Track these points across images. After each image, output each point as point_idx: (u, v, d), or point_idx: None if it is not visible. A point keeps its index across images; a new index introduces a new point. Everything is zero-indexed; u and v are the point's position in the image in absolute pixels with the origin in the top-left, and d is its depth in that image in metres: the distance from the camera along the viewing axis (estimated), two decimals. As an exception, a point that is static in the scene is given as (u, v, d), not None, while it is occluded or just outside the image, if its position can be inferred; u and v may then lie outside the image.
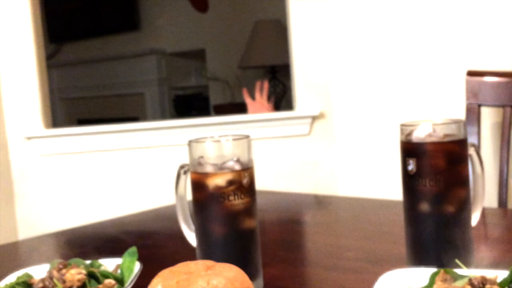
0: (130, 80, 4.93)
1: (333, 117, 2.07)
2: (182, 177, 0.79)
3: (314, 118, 2.06)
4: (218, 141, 0.76)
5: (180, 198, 0.80)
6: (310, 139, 2.07)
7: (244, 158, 0.75)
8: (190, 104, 4.91)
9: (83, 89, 5.25)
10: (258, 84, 2.20)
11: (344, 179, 2.07)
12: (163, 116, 4.85)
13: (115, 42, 5.05)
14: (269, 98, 3.81)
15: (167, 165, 2.09)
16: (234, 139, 0.76)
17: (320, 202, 1.41)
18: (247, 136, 0.77)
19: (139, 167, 2.10)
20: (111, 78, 5.05)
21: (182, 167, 0.79)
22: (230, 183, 0.74)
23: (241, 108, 4.03)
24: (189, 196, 0.79)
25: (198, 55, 4.79)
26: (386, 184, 1.99)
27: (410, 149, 0.74)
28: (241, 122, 2.08)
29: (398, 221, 0.86)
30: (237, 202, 0.74)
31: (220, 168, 0.74)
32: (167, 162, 2.09)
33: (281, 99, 3.86)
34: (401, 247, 0.83)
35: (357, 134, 2.06)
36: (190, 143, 0.76)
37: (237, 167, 0.74)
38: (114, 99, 5.11)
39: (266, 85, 2.18)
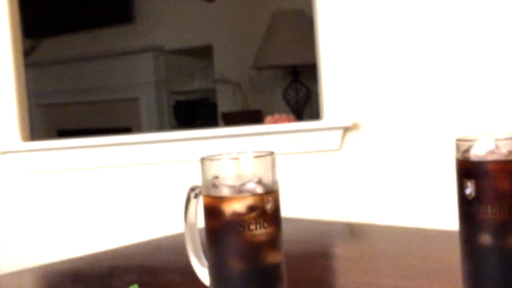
0: (122, 82, 4.98)
1: (369, 129, 2.08)
2: (193, 201, 0.80)
3: (345, 129, 2.06)
4: (237, 158, 0.77)
5: (190, 226, 0.81)
6: (341, 155, 2.08)
7: (267, 179, 0.76)
8: (193, 112, 4.95)
9: (64, 93, 5.31)
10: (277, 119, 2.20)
11: (383, 204, 2.07)
12: (161, 126, 4.89)
13: (103, 37, 5.11)
14: (289, 104, 3.84)
15: (168, 186, 2.10)
16: (255, 156, 0.77)
17: (355, 231, 1.41)
18: (271, 153, 0.78)
19: (135, 188, 2.12)
20: (98, 81, 5.11)
21: (192, 189, 0.80)
22: (250, 209, 0.75)
23: (255, 117, 4.07)
24: (200, 223, 0.80)
25: (204, 53, 4.83)
26: (437, 211, 1.99)
27: (467, 169, 0.74)
28: (256, 134, 2.10)
29: (453, 256, 0.86)
30: (260, 232, 0.75)
31: (239, 191, 0.75)
32: (167, 182, 2.11)
33: (304, 105, 3.87)
34: (457, 288, 0.83)
35: (399, 149, 2.06)
36: (203, 160, 0.77)
37: (259, 190, 0.75)
38: (102, 105, 5.16)
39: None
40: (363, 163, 2.09)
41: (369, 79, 2.08)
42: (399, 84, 2.07)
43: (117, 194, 2.12)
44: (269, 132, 2.08)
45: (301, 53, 3.72)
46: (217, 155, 0.79)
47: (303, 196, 2.06)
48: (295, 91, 3.86)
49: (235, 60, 4.45)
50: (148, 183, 2.13)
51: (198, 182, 0.83)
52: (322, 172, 2.09)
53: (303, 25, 3.76)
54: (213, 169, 0.76)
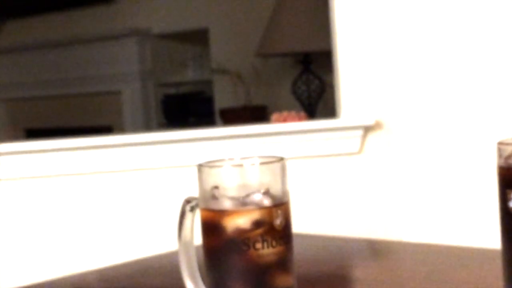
0: (100, 73, 4.99)
1: (395, 128, 2.08)
2: (188, 215, 0.82)
3: (366, 129, 2.07)
4: (240, 165, 0.78)
5: (185, 244, 0.82)
6: (361, 159, 2.09)
7: (276, 190, 0.77)
8: (186, 108, 4.95)
9: (32, 86, 5.32)
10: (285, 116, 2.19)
11: (410, 217, 2.08)
12: (147, 125, 4.90)
13: (78, 19, 5.12)
14: (299, 98, 3.85)
15: (157, 196, 2.11)
16: (262, 163, 0.78)
17: (377, 250, 1.42)
18: (281, 159, 0.79)
19: (117, 199, 2.13)
20: (73, 71, 5.11)
21: (188, 201, 0.82)
22: (257, 224, 0.76)
23: (259, 114, 4.07)
24: (197, 241, 0.81)
25: (198, 38, 4.83)
26: (474, 226, 2.00)
27: (511, 178, 0.75)
28: (260, 135, 2.10)
29: (493, 279, 0.87)
30: (267, 251, 0.76)
31: (243, 203, 0.76)
32: (156, 192, 2.12)
33: (317, 100, 3.88)
34: (499, 317, 0.84)
35: (430, 153, 2.07)
36: (200, 168, 0.79)
37: (267, 202, 0.76)
38: (77, 100, 5.17)
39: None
40: (387, 169, 2.10)
41: (395, 69, 2.08)
42: (431, 75, 2.08)
43: (97, 206, 2.13)
44: (276, 132, 2.09)
45: (313, 38, 3.72)
46: (217, 161, 0.80)
47: (317, 208, 2.07)
48: (306, 83, 3.87)
49: (235, 46, 4.46)
50: (133, 193, 2.14)
51: (194, 192, 0.84)
52: (339, 180, 2.09)
53: (316, 4, 3.77)
54: (213, 177, 0.77)
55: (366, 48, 2.08)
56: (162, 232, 2.07)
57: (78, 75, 5.13)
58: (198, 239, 0.83)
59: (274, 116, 2.22)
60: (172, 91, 5.13)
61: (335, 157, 2.09)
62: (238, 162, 0.80)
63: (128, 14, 4.94)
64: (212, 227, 0.77)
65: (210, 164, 0.79)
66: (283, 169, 0.79)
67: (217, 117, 4.41)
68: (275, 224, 0.76)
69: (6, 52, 5.35)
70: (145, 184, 2.13)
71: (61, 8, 5.14)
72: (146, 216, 2.12)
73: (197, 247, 0.82)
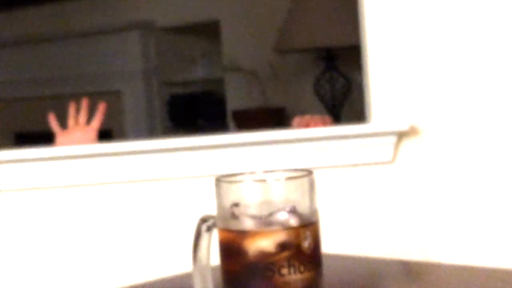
0: (99, 71, 5.01)
1: (432, 134, 2.08)
2: (204, 236, 0.82)
3: (400, 135, 2.07)
4: (263, 180, 0.78)
5: (201, 268, 0.82)
6: (394, 169, 2.08)
7: (304, 208, 0.77)
8: (194, 110, 4.96)
9: (23, 85, 5.34)
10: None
11: (450, 236, 2.07)
12: (151, 129, 4.91)
13: (74, 10, 5.14)
14: (323, 99, 3.84)
15: (164, 211, 2.11)
16: (288, 178, 0.78)
17: (413, 272, 1.41)
18: (309, 173, 0.79)
19: (122, 213, 2.13)
20: (68, 68, 5.14)
21: (204, 220, 0.82)
22: (282, 247, 0.76)
23: (277, 117, 4.08)
24: (213, 262, 0.81)
25: (208, 31, 4.84)
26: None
27: None
28: (281, 142, 2.10)
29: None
30: (294, 277, 0.76)
31: (267, 223, 0.76)
32: (162, 206, 2.12)
33: (343, 102, 3.88)
34: None
35: (471, 163, 2.06)
36: (219, 183, 0.79)
37: (294, 221, 0.76)
38: (78, 100, 5.17)
39: None
40: (423, 180, 2.09)
41: (432, 67, 2.08)
42: (473, 75, 2.07)
43: (96, 221, 2.13)
44: (298, 139, 2.08)
45: (338, 31, 3.73)
46: (237, 174, 0.80)
47: (344, 224, 2.06)
48: (330, 82, 3.87)
49: (249, 41, 4.46)
50: (136, 207, 2.14)
51: (205, 206, 0.84)
52: (369, 192, 2.09)
53: (341, -6, 3.78)
54: (233, 194, 0.77)
55: (400, 43, 2.07)
56: (170, 252, 2.07)
57: (74, 73, 5.15)
58: (214, 260, 0.83)
59: (296, 120, 2.21)
60: (178, 90, 5.14)
61: (365, 167, 2.08)
62: (261, 176, 0.80)
63: (129, 5, 4.96)
64: (231, 250, 0.77)
65: (229, 179, 0.79)
66: (311, 185, 0.79)
67: (229, 120, 4.42)
68: (303, 247, 0.76)
69: (-8, 48, 5.39)
70: (150, 197, 2.13)
71: (55, -1, 5.17)
72: (151, 234, 2.12)
73: (213, 269, 0.82)
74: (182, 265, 1.17)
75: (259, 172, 0.81)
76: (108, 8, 5.03)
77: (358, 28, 2.22)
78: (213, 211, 0.83)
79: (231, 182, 0.79)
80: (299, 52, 4.17)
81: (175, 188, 2.13)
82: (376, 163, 2.08)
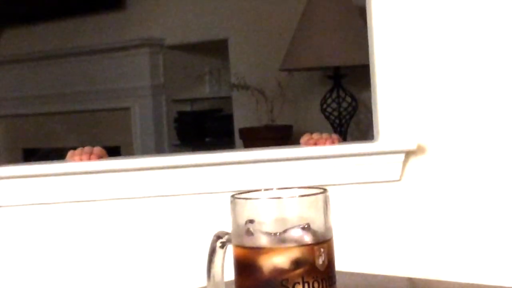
0: (108, 87, 5.02)
1: (439, 153, 2.07)
2: (219, 252, 0.81)
3: (408, 154, 2.06)
4: (278, 197, 0.78)
5: (215, 284, 0.82)
6: (402, 187, 2.07)
7: (318, 225, 0.77)
8: (201, 127, 4.96)
9: (31, 101, 5.35)
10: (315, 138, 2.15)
11: (457, 254, 2.06)
12: (158, 146, 4.90)
13: (84, 28, 5.16)
14: (329, 118, 3.84)
15: (180, 227, 2.11)
16: (303, 195, 0.78)
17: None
18: (324, 190, 0.79)
19: (128, 229, 2.13)
20: (77, 85, 5.14)
21: (218, 237, 0.82)
22: (296, 264, 0.75)
23: (284, 135, 4.07)
24: (227, 278, 0.81)
25: (216, 50, 4.84)
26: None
27: None
28: (289, 160, 2.10)
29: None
30: (309, 294, 0.75)
31: (281, 240, 0.76)
32: (179, 223, 2.11)
33: (349, 120, 3.88)
34: None
35: (479, 182, 2.05)
36: (234, 200, 0.79)
37: (308, 238, 0.76)
38: (82, 117, 5.19)
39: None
40: (430, 198, 2.08)
41: (440, 87, 2.07)
42: (480, 95, 2.06)
43: (107, 236, 2.13)
44: (306, 157, 2.08)
45: (345, 50, 3.73)
46: (252, 191, 0.80)
47: (352, 241, 2.06)
48: (337, 101, 3.87)
49: (257, 59, 4.47)
50: (146, 223, 2.13)
51: (215, 223, 0.83)
52: (377, 210, 2.08)
53: (348, 14, 3.78)
54: (248, 211, 0.77)
55: (408, 62, 2.07)
56: (182, 269, 2.07)
57: (83, 90, 5.15)
58: (229, 277, 0.83)
59: (304, 138, 2.21)
60: (186, 108, 5.15)
61: (373, 185, 2.08)
62: (275, 193, 0.79)
63: (139, 23, 4.97)
64: (246, 266, 0.77)
65: (244, 196, 0.79)
66: (326, 202, 0.79)
67: (237, 137, 4.41)
68: (317, 264, 0.76)
69: (4, 64, 5.39)
70: (161, 213, 2.13)
71: (64, 15, 5.18)
72: (163, 251, 2.12)
73: (227, 285, 0.82)
74: (196, 281, 1.17)
75: (274, 189, 0.81)
76: (117, 26, 5.04)
77: (365, 47, 2.22)
78: (226, 227, 0.83)
79: (246, 199, 0.79)
80: (306, 71, 4.17)
81: (187, 204, 2.13)
82: (384, 181, 2.07)
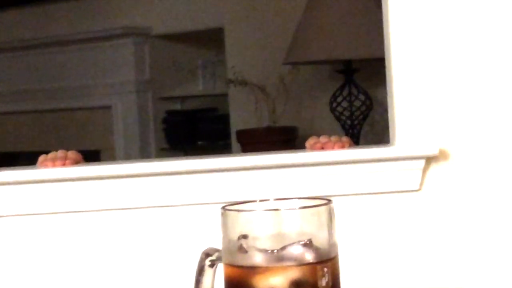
0: (87, 83, 5.02)
1: (464, 159, 2.07)
2: (208, 272, 0.82)
3: (429, 160, 2.07)
4: (276, 209, 0.78)
5: (203, 309, 0.82)
6: (422, 197, 2.08)
7: (321, 241, 0.77)
8: (193, 129, 4.96)
9: (3, 97, 5.33)
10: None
11: (482, 271, 2.07)
12: (144, 149, 4.91)
13: (60, 14, 5.15)
14: (340, 118, 3.85)
15: (163, 243, 2.11)
16: (304, 207, 0.78)
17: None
18: (328, 202, 0.79)
19: (112, 243, 2.13)
20: (52, 80, 5.14)
21: (207, 254, 0.82)
22: (296, 285, 0.76)
23: (288, 138, 4.07)
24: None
25: (211, 40, 4.85)
26: None
27: None
28: (292, 166, 2.10)
29: None
30: (310, 320, 0.76)
31: (279, 258, 0.76)
32: (163, 237, 2.12)
33: (363, 121, 3.89)
34: None
35: (506, 191, 2.06)
36: (224, 212, 0.79)
37: (310, 256, 0.76)
38: (57, 117, 5.19)
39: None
40: (453, 210, 2.08)
41: (465, 84, 2.08)
42: (510, 95, 2.07)
43: (78, 252, 2.13)
44: (312, 163, 2.07)
45: (358, 41, 3.73)
46: (246, 202, 0.80)
47: (363, 261, 2.06)
48: (349, 99, 3.87)
49: (257, 51, 4.47)
50: (130, 239, 2.14)
51: (206, 239, 0.83)
52: (394, 224, 2.08)
53: (362, 1, 3.78)
54: (241, 224, 0.77)
55: (428, 56, 2.07)
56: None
57: (56, 85, 5.16)
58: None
59: (310, 141, 2.21)
60: (176, 107, 5.16)
61: (389, 195, 2.07)
62: (272, 205, 0.80)
63: (122, 9, 4.98)
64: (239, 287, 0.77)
65: (237, 207, 0.79)
66: (330, 215, 0.79)
67: (233, 140, 4.42)
68: (319, 286, 0.76)
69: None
70: (142, 226, 2.13)
71: (38, 1, 5.17)
72: (143, 269, 2.12)
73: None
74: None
75: (270, 200, 0.81)
76: (98, 12, 5.04)
77: (381, 38, 2.22)
78: (217, 243, 0.83)
79: (239, 211, 0.79)
80: (313, 65, 4.17)
81: (176, 216, 2.13)
82: (401, 191, 2.07)
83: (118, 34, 4.89)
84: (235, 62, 4.46)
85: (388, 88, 2.16)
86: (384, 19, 2.16)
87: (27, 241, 2.14)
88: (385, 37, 2.16)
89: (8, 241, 2.15)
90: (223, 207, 0.79)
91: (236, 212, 0.79)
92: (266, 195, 2.06)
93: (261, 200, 0.81)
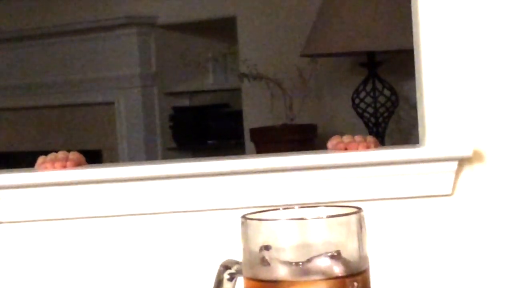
0: (88, 77, 5.03)
1: (499, 162, 2.07)
2: (227, 286, 0.82)
3: (462, 162, 2.06)
4: (302, 218, 0.78)
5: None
6: (455, 202, 2.07)
7: (351, 253, 0.77)
8: (203, 126, 4.96)
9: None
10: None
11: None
12: (149, 149, 4.91)
13: (59, 3, 5.16)
14: (362, 115, 3.85)
15: (175, 252, 2.11)
16: (331, 215, 0.78)
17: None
18: (358, 210, 0.79)
19: (112, 252, 2.14)
20: (50, 73, 5.15)
21: (226, 267, 0.82)
22: (324, 301, 0.76)
23: (306, 137, 4.06)
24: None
25: (222, 30, 4.84)
26: None
27: None
28: (311, 168, 2.10)
29: None
30: None
31: (305, 271, 0.76)
32: (171, 247, 2.12)
33: (388, 119, 3.88)
34: None
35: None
36: (245, 221, 0.79)
37: (338, 269, 0.76)
38: (54, 114, 5.20)
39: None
40: (489, 217, 2.08)
41: (502, 80, 2.07)
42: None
43: (80, 260, 2.14)
44: (334, 165, 2.08)
45: (382, 32, 3.73)
46: (267, 210, 0.80)
47: (392, 272, 2.06)
48: (373, 94, 3.87)
49: (273, 42, 4.47)
50: (137, 247, 2.14)
51: (222, 249, 0.83)
52: (423, 231, 2.08)
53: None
54: (263, 234, 0.77)
55: (462, 48, 2.07)
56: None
57: (55, 80, 5.17)
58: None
59: (332, 141, 2.20)
60: (184, 103, 5.16)
61: (418, 200, 2.07)
62: (297, 213, 0.79)
63: (126, -1, 4.98)
64: (261, 304, 0.77)
65: (259, 216, 0.79)
66: (360, 224, 0.79)
67: (247, 139, 4.42)
68: (349, 302, 0.76)
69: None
70: (149, 234, 2.14)
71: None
72: (150, 281, 2.12)
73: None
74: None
75: (295, 208, 0.80)
76: (100, 1, 5.05)
77: (408, 28, 2.22)
78: (235, 255, 0.83)
79: (261, 220, 0.79)
80: (334, 57, 4.17)
81: (182, 223, 2.13)
82: (431, 196, 2.07)
83: (121, 23, 4.89)
84: (248, 54, 4.46)
85: (417, 83, 2.16)
86: (413, 6, 2.16)
87: (27, 249, 2.15)
88: (414, 26, 2.15)
89: (6, 249, 2.16)
90: (244, 216, 0.79)
91: (258, 221, 0.79)
92: (284, 200, 2.06)
93: (284, 208, 0.81)
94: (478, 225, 2.09)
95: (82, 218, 2.14)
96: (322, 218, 0.79)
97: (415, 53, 2.15)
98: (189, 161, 2.32)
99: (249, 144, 4.35)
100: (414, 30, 2.14)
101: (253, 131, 4.23)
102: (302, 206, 0.81)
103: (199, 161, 2.23)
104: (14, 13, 5.30)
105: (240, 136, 4.63)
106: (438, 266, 2.09)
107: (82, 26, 5.00)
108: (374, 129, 3.85)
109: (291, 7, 4.35)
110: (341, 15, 3.78)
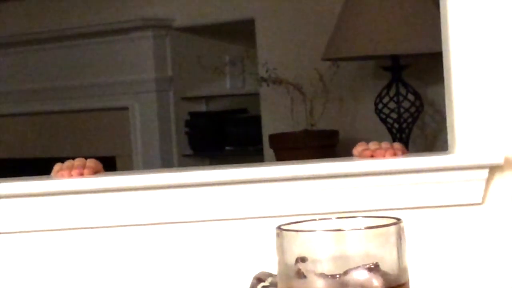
0: (100, 81, 5.04)
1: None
2: (261, 299, 0.82)
3: (493, 170, 2.06)
4: (339, 229, 0.78)
5: None
6: (486, 212, 2.07)
7: (390, 265, 0.77)
8: (220, 132, 4.96)
9: (8, 98, 5.36)
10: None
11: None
12: (165, 157, 4.91)
13: (71, 6, 5.17)
14: (386, 121, 3.84)
15: (193, 263, 2.11)
16: (370, 227, 0.78)
17: None
18: (398, 221, 0.79)
19: (131, 262, 2.14)
20: (60, 78, 5.16)
21: (259, 280, 0.82)
22: (362, 315, 0.76)
23: (328, 143, 4.06)
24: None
25: (240, 33, 4.85)
26: None
27: None
28: (335, 177, 2.10)
29: None
30: None
31: (342, 284, 0.76)
32: (192, 256, 2.12)
33: (413, 124, 3.87)
34: None
35: None
36: (281, 232, 0.79)
37: (377, 282, 0.76)
38: (68, 119, 5.21)
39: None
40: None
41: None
42: None
43: (100, 270, 2.14)
44: (361, 173, 2.07)
45: (407, 35, 3.73)
46: (304, 221, 0.80)
47: (425, 282, 2.05)
48: (396, 99, 3.86)
49: (292, 46, 4.47)
50: (157, 257, 2.14)
51: (253, 260, 0.84)
52: (453, 242, 2.07)
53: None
54: (299, 246, 0.77)
55: (493, 51, 2.06)
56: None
57: (68, 84, 5.18)
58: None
59: (358, 148, 2.20)
60: (201, 108, 5.16)
61: (447, 209, 2.07)
62: (334, 224, 0.80)
63: (141, 1, 4.98)
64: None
65: (295, 227, 0.79)
66: (400, 236, 0.79)
67: (266, 146, 4.41)
68: (388, 316, 0.76)
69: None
70: (170, 243, 2.14)
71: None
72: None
73: None
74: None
75: (332, 219, 0.81)
76: (112, 2, 5.06)
77: (434, 31, 2.22)
78: (267, 267, 0.83)
79: (297, 231, 0.79)
80: (356, 61, 4.17)
81: (202, 233, 2.13)
82: (461, 205, 2.07)
83: (136, 26, 4.90)
84: (267, 58, 4.45)
85: (446, 88, 2.15)
86: (442, 8, 2.15)
87: (43, 259, 2.15)
88: (442, 28, 2.15)
89: (22, 260, 2.16)
90: (279, 227, 0.79)
91: (294, 233, 0.79)
92: (309, 209, 2.06)
93: (320, 219, 0.81)
94: (510, 235, 2.08)
95: (101, 227, 2.14)
96: (360, 229, 0.79)
97: (444, 57, 2.14)
98: (208, 168, 2.32)
99: (268, 150, 4.34)
100: (443, 33, 2.14)
101: (272, 137, 4.22)
102: (340, 216, 0.81)
103: (219, 169, 2.23)
104: (28, 16, 5.32)
105: (259, 142, 4.63)
106: (470, 277, 2.09)
107: (96, 29, 5.01)
108: (398, 135, 3.85)
109: (311, 9, 4.34)
110: (364, 17, 3.78)
